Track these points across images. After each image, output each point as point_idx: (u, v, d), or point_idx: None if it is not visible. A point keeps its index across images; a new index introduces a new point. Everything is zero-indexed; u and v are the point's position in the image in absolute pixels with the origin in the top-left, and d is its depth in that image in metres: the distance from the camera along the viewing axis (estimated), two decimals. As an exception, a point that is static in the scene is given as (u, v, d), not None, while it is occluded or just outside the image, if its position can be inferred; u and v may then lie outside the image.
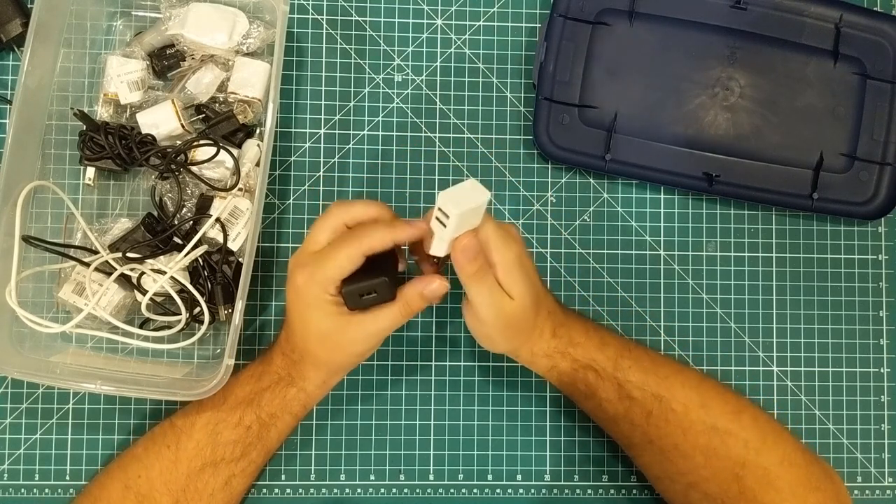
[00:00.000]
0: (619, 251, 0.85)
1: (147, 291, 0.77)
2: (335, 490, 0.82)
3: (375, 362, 0.82)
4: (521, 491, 0.83)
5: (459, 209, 0.62)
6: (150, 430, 0.75)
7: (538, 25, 0.86)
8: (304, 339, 0.69)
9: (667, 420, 0.72)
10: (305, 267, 0.66)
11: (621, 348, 0.74)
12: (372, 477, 0.82)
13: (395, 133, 0.85)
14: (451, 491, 0.82)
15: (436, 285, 0.66)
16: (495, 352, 0.76)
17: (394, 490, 0.82)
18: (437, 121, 0.85)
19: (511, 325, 0.69)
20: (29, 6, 0.80)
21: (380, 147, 0.84)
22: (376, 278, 0.66)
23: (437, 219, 0.63)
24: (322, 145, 0.84)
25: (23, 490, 0.81)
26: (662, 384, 0.73)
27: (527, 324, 0.70)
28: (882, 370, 0.85)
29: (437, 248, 0.65)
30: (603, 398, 0.73)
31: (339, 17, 0.85)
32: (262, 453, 0.74)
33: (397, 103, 0.85)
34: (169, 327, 0.78)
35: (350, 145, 0.84)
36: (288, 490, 0.81)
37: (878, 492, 0.85)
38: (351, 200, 0.69)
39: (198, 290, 0.77)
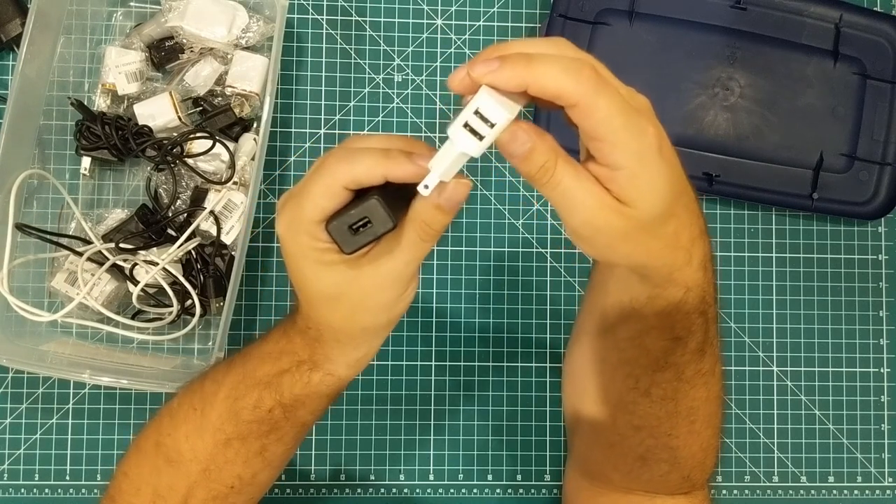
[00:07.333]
0: (620, 251, 0.85)
1: (139, 282, 0.76)
2: (335, 490, 0.81)
3: (376, 362, 0.81)
4: (521, 491, 0.82)
5: (511, 114, 0.44)
6: (188, 382, 0.66)
7: (538, 25, 0.86)
8: (312, 306, 0.54)
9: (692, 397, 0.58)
10: (284, 211, 0.50)
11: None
12: (372, 477, 0.81)
13: (394, 133, 0.84)
14: (451, 491, 0.82)
15: (450, 187, 0.48)
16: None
17: (394, 490, 0.81)
18: (437, 121, 0.84)
19: (625, 237, 0.48)
20: (29, 6, 0.79)
21: (380, 146, 0.84)
22: (365, 201, 0.48)
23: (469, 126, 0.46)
24: (322, 145, 0.83)
25: (23, 490, 0.79)
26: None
27: (651, 237, 0.49)
28: (882, 370, 0.85)
29: (442, 166, 0.47)
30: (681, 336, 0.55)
31: (339, 17, 0.85)
32: (297, 426, 0.62)
33: (397, 103, 0.84)
34: (161, 319, 0.77)
35: (350, 145, 0.84)
36: (288, 490, 0.80)
37: (878, 492, 0.84)
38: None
39: (190, 282, 0.77)
